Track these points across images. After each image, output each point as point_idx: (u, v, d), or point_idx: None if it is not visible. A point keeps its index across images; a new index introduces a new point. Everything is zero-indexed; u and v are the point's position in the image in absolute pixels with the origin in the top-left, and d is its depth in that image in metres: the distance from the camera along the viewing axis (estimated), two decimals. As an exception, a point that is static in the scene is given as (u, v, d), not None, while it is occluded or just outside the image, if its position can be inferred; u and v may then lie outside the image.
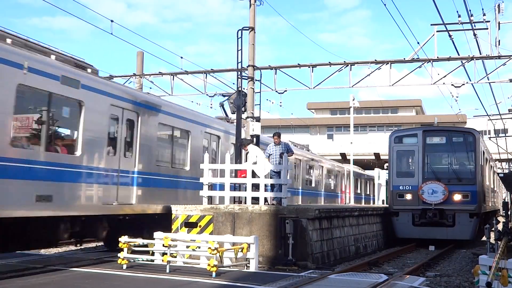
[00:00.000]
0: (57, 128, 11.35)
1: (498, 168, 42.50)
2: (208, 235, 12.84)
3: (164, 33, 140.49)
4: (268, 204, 14.12)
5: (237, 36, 16.43)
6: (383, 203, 37.03)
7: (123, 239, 11.52)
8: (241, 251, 11.38)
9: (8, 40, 10.11)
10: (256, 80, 17.01)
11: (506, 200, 31.96)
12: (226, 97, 19.23)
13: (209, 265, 10.42)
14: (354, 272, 11.87)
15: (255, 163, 14.43)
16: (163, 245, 11.37)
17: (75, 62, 11.96)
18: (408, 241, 20.48)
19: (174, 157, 15.54)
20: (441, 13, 15.33)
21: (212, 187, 14.72)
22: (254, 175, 14.23)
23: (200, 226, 13.34)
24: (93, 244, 17.31)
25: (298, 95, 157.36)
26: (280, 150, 14.63)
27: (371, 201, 42.51)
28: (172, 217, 13.68)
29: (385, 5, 15.23)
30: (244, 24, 22.88)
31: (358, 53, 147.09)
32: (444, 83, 22.56)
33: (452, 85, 22.90)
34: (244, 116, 16.60)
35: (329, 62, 23.07)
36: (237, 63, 16.49)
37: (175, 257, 11.82)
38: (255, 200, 13.96)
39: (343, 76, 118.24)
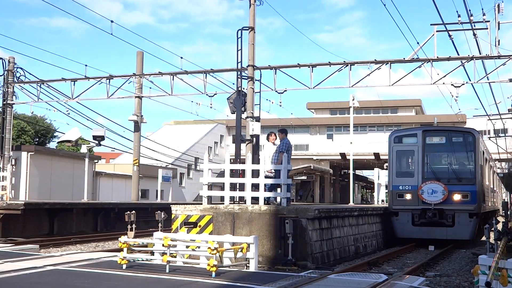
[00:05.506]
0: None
1: (498, 168, 42.48)
2: (208, 235, 12.84)
3: (161, 33, 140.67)
4: (269, 204, 14.14)
5: (237, 36, 16.44)
6: (382, 203, 37.00)
7: (123, 239, 11.51)
8: (241, 251, 11.37)
9: None
10: (256, 80, 17.02)
11: (506, 200, 31.97)
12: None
13: (208, 265, 10.41)
14: (354, 272, 11.86)
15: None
16: (163, 245, 11.36)
17: None
18: (408, 241, 20.47)
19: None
20: (441, 13, 15.32)
21: (211, 187, 14.68)
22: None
23: (199, 226, 13.35)
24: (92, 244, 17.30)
25: (298, 95, 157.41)
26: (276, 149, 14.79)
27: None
28: (172, 217, 13.68)
29: (384, 5, 15.23)
30: (241, 24, 22.96)
31: (356, 53, 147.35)
32: (443, 83, 22.55)
33: (451, 85, 22.87)
34: (244, 116, 16.60)
35: (329, 62, 23.05)
36: (237, 63, 16.50)
37: (175, 257, 11.81)
38: (255, 200, 13.97)
39: (342, 76, 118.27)
